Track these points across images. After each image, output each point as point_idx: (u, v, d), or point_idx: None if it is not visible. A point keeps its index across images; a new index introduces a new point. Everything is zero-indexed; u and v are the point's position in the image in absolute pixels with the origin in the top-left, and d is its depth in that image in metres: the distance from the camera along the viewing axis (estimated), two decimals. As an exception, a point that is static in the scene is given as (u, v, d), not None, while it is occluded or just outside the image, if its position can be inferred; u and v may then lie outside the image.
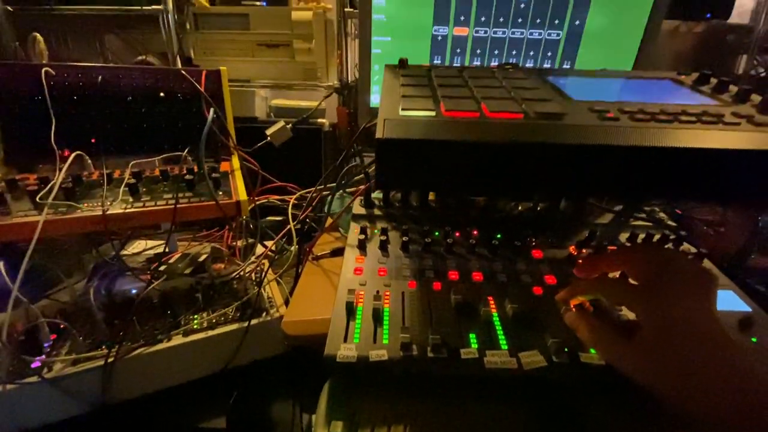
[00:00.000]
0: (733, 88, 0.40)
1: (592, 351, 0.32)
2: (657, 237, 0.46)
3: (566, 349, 0.32)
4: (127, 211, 0.47)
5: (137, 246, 0.70)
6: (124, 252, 0.68)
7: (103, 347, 0.42)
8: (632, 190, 0.30)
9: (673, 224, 0.50)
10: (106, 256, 0.61)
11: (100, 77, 0.56)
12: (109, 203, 0.47)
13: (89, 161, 0.54)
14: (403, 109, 0.31)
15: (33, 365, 0.40)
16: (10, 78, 0.53)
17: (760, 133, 0.30)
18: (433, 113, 0.31)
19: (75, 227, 0.46)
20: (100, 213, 0.46)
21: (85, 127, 0.56)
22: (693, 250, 0.45)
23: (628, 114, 0.32)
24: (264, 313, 0.48)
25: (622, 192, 0.31)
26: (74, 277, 0.60)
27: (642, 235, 0.46)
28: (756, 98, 0.38)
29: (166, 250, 0.59)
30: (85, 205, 0.47)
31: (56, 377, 0.39)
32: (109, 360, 0.40)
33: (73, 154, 0.51)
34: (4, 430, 0.39)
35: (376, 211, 0.50)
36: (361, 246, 0.44)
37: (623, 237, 0.47)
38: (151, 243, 0.71)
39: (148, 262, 0.65)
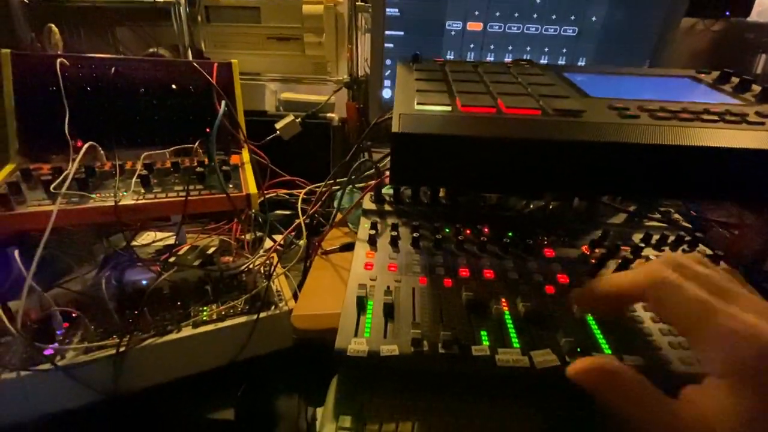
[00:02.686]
0: (756, 87, 0.39)
1: (606, 350, 0.32)
2: (672, 238, 0.45)
3: (579, 349, 0.31)
4: (139, 202, 0.48)
5: (146, 237, 0.71)
6: (134, 243, 0.68)
7: (114, 337, 0.42)
8: (652, 189, 0.29)
9: (688, 225, 0.49)
10: (117, 246, 0.61)
11: (113, 69, 0.57)
12: (121, 194, 0.47)
13: (102, 152, 0.55)
14: (418, 104, 0.31)
15: (46, 352, 0.40)
16: (25, 68, 0.53)
17: (785, 133, 0.30)
18: (449, 108, 0.31)
19: (88, 217, 0.46)
20: (113, 204, 0.46)
21: (98, 118, 0.57)
22: (709, 252, 0.44)
23: (648, 112, 0.32)
24: (273, 307, 0.48)
25: (642, 191, 0.30)
26: (85, 267, 0.60)
27: (656, 236, 0.45)
28: (779, 97, 0.37)
29: (176, 242, 0.59)
30: (98, 195, 0.47)
31: (69, 365, 0.40)
32: (121, 349, 0.41)
33: (86, 145, 0.51)
34: (17, 416, 0.39)
35: (386, 207, 0.50)
36: (372, 241, 0.44)
37: (637, 237, 0.46)
38: (160, 234, 0.71)
39: (158, 253, 0.66)
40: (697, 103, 0.34)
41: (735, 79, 0.42)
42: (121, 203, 0.47)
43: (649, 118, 0.31)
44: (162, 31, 1.11)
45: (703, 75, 0.44)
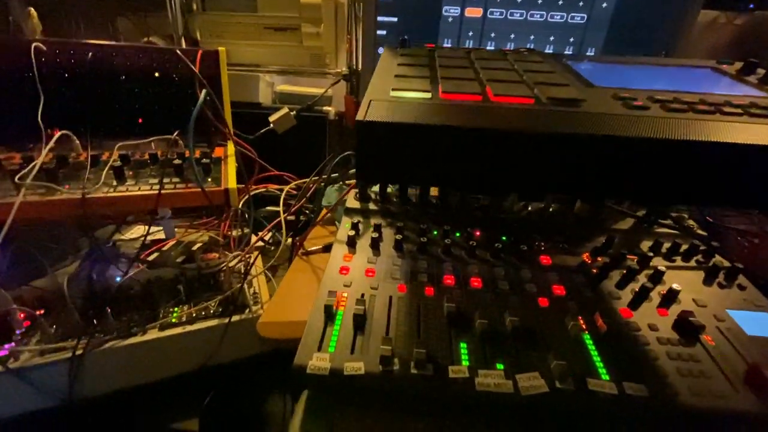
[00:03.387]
0: (786, 79, 0.35)
1: (604, 376, 0.28)
2: (685, 247, 0.41)
3: (572, 374, 0.27)
4: (108, 195, 0.45)
5: (136, 231, 0.69)
6: (122, 237, 0.66)
7: (74, 338, 0.39)
8: (662, 193, 0.25)
9: (704, 233, 0.44)
10: (101, 241, 0.59)
11: (90, 54, 0.54)
12: (91, 186, 0.45)
13: (77, 142, 0.52)
14: (393, 90, 0.27)
15: (0, 353, 0.38)
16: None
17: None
18: (428, 95, 0.27)
19: (53, 210, 0.44)
20: (80, 196, 0.43)
21: (75, 106, 0.54)
22: (726, 263, 0.40)
23: (660, 103, 0.27)
24: (246, 310, 0.45)
25: (650, 194, 0.26)
26: (68, 259, 0.58)
27: (667, 244, 0.41)
28: (813, 90, 0.32)
29: (156, 237, 0.57)
30: (67, 187, 0.45)
31: (21, 367, 0.37)
32: (78, 352, 0.38)
33: (58, 134, 0.49)
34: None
35: (371, 206, 0.47)
36: (351, 242, 0.40)
37: (645, 245, 0.42)
38: (152, 229, 0.69)
39: (143, 248, 0.63)
40: (717, 95, 0.30)
41: (761, 71, 0.37)
42: (89, 196, 0.44)
43: (660, 110, 0.26)
44: (161, 21, 1.09)
45: (725, 66, 0.40)
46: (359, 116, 0.24)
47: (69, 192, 0.44)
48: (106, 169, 0.47)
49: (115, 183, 0.47)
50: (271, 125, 0.78)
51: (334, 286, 0.34)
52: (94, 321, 0.42)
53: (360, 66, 0.90)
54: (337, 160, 0.49)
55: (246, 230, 0.64)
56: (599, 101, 0.27)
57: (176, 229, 0.65)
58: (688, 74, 0.37)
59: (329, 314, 0.31)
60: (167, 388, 0.42)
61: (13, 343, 0.39)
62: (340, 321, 0.31)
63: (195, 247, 0.61)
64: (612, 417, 0.27)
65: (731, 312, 0.34)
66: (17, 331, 0.41)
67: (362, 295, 0.33)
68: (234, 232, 0.63)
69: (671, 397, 0.26)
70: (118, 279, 0.51)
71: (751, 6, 1.04)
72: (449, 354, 0.29)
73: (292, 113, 0.80)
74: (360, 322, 0.31)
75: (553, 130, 0.23)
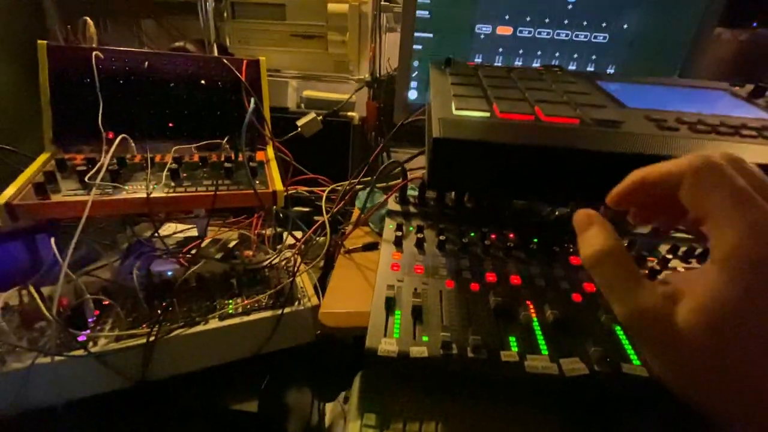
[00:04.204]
0: (792, 102, 0.39)
1: (635, 361, 0.32)
2: (699, 250, 0.45)
3: (608, 359, 0.32)
4: (170, 195, 0.49)
5: (168, 228, 0.72)
6: (156, 234, 0.70)
7: (145, 326, 0.43)
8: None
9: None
10: (140, 236, 0.63)
11: (146, 63, 0.58)
12: (152, 186, 0.49)
13: (133, 144, 0.56)
14: (457, 109, 0.31)
15: (80, 339, 0.41)
16: (61, 60, 0.54)
17: (827, 150, 0.29)
18: (487, 114, 0.31)
19: (120, 208, 0.48)
20: (144, 196, 0.47)
21: (130, 110, 0.58)
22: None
23: (687, 125, 0.32)
24: (296, 303, 0.49)
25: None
26: (110, 254, 0.62)
27: (684, 248, 0.45)
28: (817, 113, 0.36)
29: (187, 235, 0.60)
30: (130, 187, 0.49)
31: (101, 352, 0.41)
32: (150, 339, 0.42)
33: (120, 137, 0.53)
34: (49, 400, 0.41)
35: (411, 209, 0.51)
36: (398, 242, 0.44)
37: (663, 248, 0.46)
38: (180, 226, 0.73)
39: (179, 245, 0.67)
40: (734, 117, 0.34)
41: (771, 93, 0.41)
42: (152, 195, 0.48)
43: (688, 131, 0.31)
44: (186, 24, 1.12)
45: (737, 87, 0.44)
46: (435, 134, 0.28)
47: (133, 192, 0.48)
48: (165, 171, 0.51)
49: (173, 184, 0.50)
50: (299, 129, 0.82)
51: (390, 281, 0.38)
52: (159, 311, 0.45)
53: (387, 74, 0.94)
54: (385, 166, 0.52)
55: (279, 229, 0.68)
56: (635, 122, 0.31)
57: (208, 228, 0.69)
58: (707, 96, 0.41)
59: (390, 305, 0.35)
60: (227, 372, 0.45)
61: (88, 330, 0.43)
62: (400, 311, 0.35)
63: (231, 245, 0.65)
64: (644, 397, 0.31)
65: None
66: (89, 319, 0.44)
67: (416, 289, 0.37)
68: (268, 231, 0.67)
69: (695, 379, 0.31)
70: (170, 273, 0.55)
71: (755, 24, 1.09)
72: (499, 341, 0.33)
73: (318, 118, 0.83)
74: (418, 313, 0.35)
75: (600, 148, 0.27)
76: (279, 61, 0.97)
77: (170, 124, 0.60)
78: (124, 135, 0.54)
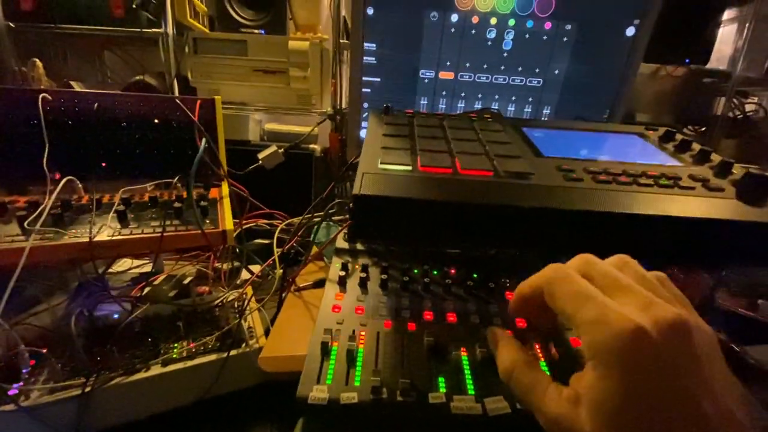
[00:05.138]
0: (696, 147, 0.43)
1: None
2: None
3: (530, 397, 0.33)
4: (114, 238, 0.48)
5: (123, 264, 0.71)
6: (109, 270, 0.68)
7: (81, 376, 0.42)
8: (596, 248, 0.32)
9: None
10: (90, 274, 0.61)
11: (96, 104, 0.58)
12: (96, 230, 0.48)
13: (80, 186, 0.56)
14: (381, 163, 0.33)
15: (10, 392, 0.40)
16: (7, 102, 0.54)
17: (711, 199, 0.33)
18: (409, 168, 0.33)
19: (61, 254, 0.47)
20: (87, 240, 0.47)
21: (78, 151, 0.58)
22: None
23: (592, 174, 0.35)
24: (243, 344, 0.49)
25: (583, 249, 0.33)
26: (56, 295, 0.60)
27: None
28: (715, 158, 0.40)
29: (143, 270, 0.59)
30: (73, 231, 0.48)
31: (33, 405, 0.39)
32: (87, 389, 0.41)
33: (64, 180, 0.52)
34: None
35: (359, 246, 0.52)
36: (341, 282, 0.45)
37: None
38: (137, 261, 0.71)
39: (133, 281, 0.66)
40: (637, 165, 0.37)
41: (678, 137, 0.46)
42: (95, 239, 0.47)
43: (591, 182, 0.34)
44: (149, 56, 1.13)
45: (650, 132, 0.48)
46: (355, 190, 0.30)
47: (75, 236, 0.47)
48: (111, 212, 0.51)
49: (118, 226, 0.50)
50: (260, 162, 0.83)
51: (329, 324, 0.39)
52: (98, 358, 0.44)
53: (344, 106, 0.97)
54: (333, 204, 0.54)
55: (236, 264, 0.68)
56: (545, 173, 0.34)
57: (165, 262, 0.68)
58: (620, 141, 0.45)
59: (325, 350, 0.36)
60: (168, 420, 0.45)
61: (21, 383, 0.41)
62: (335, 356, 0.36)
63: (186, 281, 0.64)
64: None
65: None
66: (24, 370, 0.43)
67: (353, 332, 0.38)
68: (225, 266, 0.67)
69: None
70: (116, 315, 0.53)
71: (687, 60, 1.19)
72: (429, 382, 0.34)
73: (280, 150, 0.85)
74: (352, 357, 0.36)
75: (506, 203, 0.30)
76: (241, 95, 0.98)
77: (122, 164, 0.60)
78: (69, 177, 0.54)
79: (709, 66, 1.24)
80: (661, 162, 0.40)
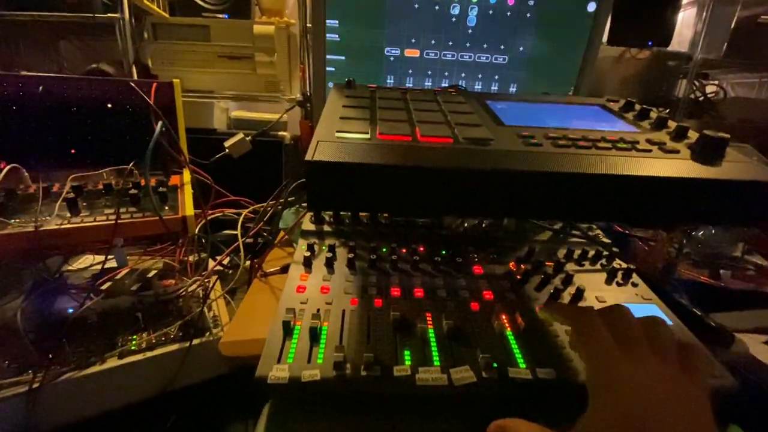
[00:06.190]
0: (654, 115, 0.43)
1: (522, 364, 0.33)
2: (591, 253, 0.49)
3: (495, 365, 0.33)
4: (63, 227, 0.45)
5: (84, 261, 0.67)
6: (70, 267, 0.65)
7: (29, 372, 0.39)
8: (557, 213, 0.32)
9: (607, 241, 0.53)
10: (42, 271, 0.58)
11: (41, 87, 0.54)
12: (43, 219, 0.45)
13: (26, 174, 0.52)
14: (338, 132, 0.32)
15: (-50, 393, 0.37)
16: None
17: (667, 160, 0.33)
18: (366, 136, 0.32)
19: (6, 244, 0.44)
20: (32, 229, 0.44)
21: (24, 138, 0.54)
22: (624, 265, 0.48)
23: (551, 140, 0.34)
24: (207, 333, 0.47)
25: (548, 214, 0.33)
26: (11, 293, 0.57)
27: (578, 252, 0.49)
28: (672, 125, 0.41)
29: (106, 266, 0.57)
30: (18, 220, 0.45)
31: (-26, 405, 0.37)
32: (34, 386, 0.38)
33: (6, 167, 0.49)
34: None
35: (326, 228, 0.51)
36: (307, 263, 0.44)
37: (561, 253, 0.49)
38: (99, 258, 0.68)
39: (94, 278, 0.62)
40: (596, 131, 0.37)
41: (638, 107, 0.46)
42: (42, 228, 0.44)
43: (551, 146, 0.33)
44: (107, 45, 1.08)
45: (612, 103, 0.49)
46: (308, 156, 0.28)
47: (20, 225, 0.44)
48: (59, 200, 0.48)
49: (68, 215, 0.47)
50: (227, 150, 0.81)
51: (292, 303, 0.38)
52: (49, 353, 0.42)
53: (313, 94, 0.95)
54: (293, 186, 0.52)
55: (203, 255, 0.66)
56: (505, 139, 0.34)
57: (129, 257, 0.65)
58: (582, 111, 0.45)
59: (287, 329, 0.35)
60: (130, 414, 0.42)
61: (-38, 382, 0.38)
62: (298, 335, 0.35)
63: (150, 275, 0.62)
64: (529, 400, 0.32)
65: (625, 304, 0.41)
66: (-34, 370, 0.40)
67: (318, 310, 0.37)
68: (191, 258, 0.65)
69: (573, 376, 0.33)
70: (70, 310, 0.51)
71: (650, 43, 1.22)
72: (394, 356, 0.33)
73: (247, 138, 0.82)
74: (315, 335, 0.35)
75: (465, 166, 0.29)
76: (206, 83, 0.95)
77: (72, 151, 0.57)
78: (14, 165, 0.50)
79: (670, 49, 1.27)
80: (620, 129, 0.40)
